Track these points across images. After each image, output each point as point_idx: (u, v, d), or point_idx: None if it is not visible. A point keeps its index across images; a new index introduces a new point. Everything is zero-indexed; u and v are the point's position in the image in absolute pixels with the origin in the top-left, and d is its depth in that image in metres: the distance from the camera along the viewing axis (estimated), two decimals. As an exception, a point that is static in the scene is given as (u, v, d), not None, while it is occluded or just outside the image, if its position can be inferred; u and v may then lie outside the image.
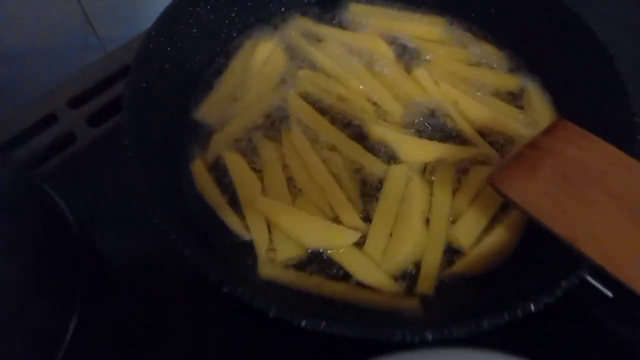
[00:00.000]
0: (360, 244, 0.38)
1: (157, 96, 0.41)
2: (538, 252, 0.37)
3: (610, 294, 0.32)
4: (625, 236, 0.31)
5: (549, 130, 0.37)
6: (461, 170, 0.42)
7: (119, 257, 0.44)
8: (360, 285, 0.37)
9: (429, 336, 0.28)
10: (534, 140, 0.37)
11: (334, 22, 0.53)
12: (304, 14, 0.53)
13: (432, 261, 0.38)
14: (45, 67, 0.55)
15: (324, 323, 0.28)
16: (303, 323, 0.28)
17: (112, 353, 0.39)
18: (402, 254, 0.38)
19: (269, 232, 0.39)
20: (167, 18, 0.42)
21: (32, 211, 0.41)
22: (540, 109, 0.46)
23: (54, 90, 0.52)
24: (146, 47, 0.40)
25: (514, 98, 0.47)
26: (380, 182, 0.42)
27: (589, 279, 0.32)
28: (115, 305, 0.41)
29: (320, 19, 0.53)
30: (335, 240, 0.38)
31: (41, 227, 0.41)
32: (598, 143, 0.36)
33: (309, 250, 0.38)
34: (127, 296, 0.42)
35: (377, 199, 0.41)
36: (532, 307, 0.29)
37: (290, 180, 0.42)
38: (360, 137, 0.44)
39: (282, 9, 0.53)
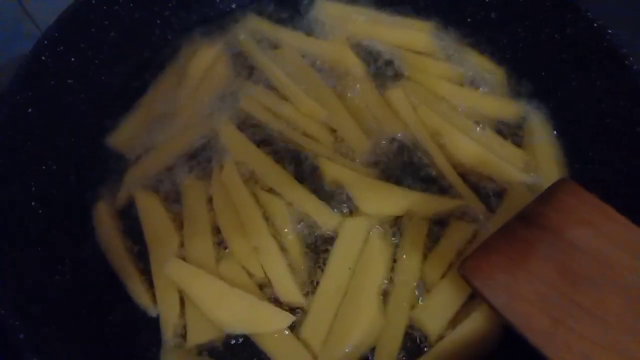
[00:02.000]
0: (295, 326, 0.30)
1: (53, 123, 0.33)
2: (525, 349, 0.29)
3: None
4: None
5: (549, 196, 0.28)
6: (436, 223, 0.34)
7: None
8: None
9: None
10: (527, 211, 0.27)
11: (296, 23, 0.43)
12: (259, 12, 0.43)
13: (389, 354, 0.29)
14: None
15: None
16: None
17: None
18: (349, 342, 0.29)
19: (182, 306, 0.31)
20: (67, 21, 0.33)
21: None
22: (543, 149, 0.36)
23: None
24: (34, 61, 0.31)
25: (513, 130, 0.38)
26: (332, 237, 0.33)
27: None
28: None
29: (279, 19, 0.43)
30: (263, 324, 0.29)
31: None
32: (614, 220, 0.26)
33: (228, 334, 0.30)
34: None
35: (325, 260, 0.32)
36: None
37: (216, 232, 0.33)
38: (312, 176, 0.35)
39: (233, 6, 0.43)
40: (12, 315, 0.24)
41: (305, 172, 0.35)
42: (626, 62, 0.33)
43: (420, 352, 0.29)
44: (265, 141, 0.36)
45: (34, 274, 0.28)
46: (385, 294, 0.31)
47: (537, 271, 0.25)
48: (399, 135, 0.37)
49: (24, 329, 0.24)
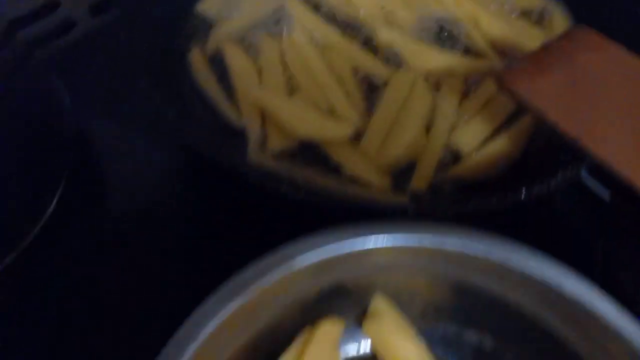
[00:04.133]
0: (355, 141, 0.37)
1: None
2: (538, 162, 0.35)
3: (606, 198, 0.30)
4: (631, 137, 0.29)
5: (565, 35, 0.35)
6: (470, 83, 0.41)
7: (110, 149, 0.44)
8: (351, 180, 0.36)
9: (411, 208, 0.27)
10: (548, 43, 0.35)
11: None
12: None
13: (429, 161, 0.36)
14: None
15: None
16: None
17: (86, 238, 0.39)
18: (398, 152, 0.36)
19: (263, 123, 0.38)
20: None
21: (31, 90, 0.41)
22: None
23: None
24: None
25: (536, 19, 0.45)
26: (384, 87, 0.40)
27: (585, 179, 0.30)
28: (97, 197, 0.41)
29: None
30: (330, 131, 0.36)
31: (37, 106, 0.41)
32: (616, 51, 0.33)
33: (302, 142, 0.37)
34: (113, 190, 0.42)
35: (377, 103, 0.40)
36: (523, 193, 0.27)
37: (289, 79, 0.40)
38: (366, 42, 0.42)
39: None
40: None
41: (361, 39, 0.43)
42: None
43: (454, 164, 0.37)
44: (325, 15, 0.44)
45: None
46: (427, 128, 0.39)
47: (553, 79, 0.32)
48: (439, 14, 0.44)
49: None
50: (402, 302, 0.29)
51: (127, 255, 0.37)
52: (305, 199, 0.27)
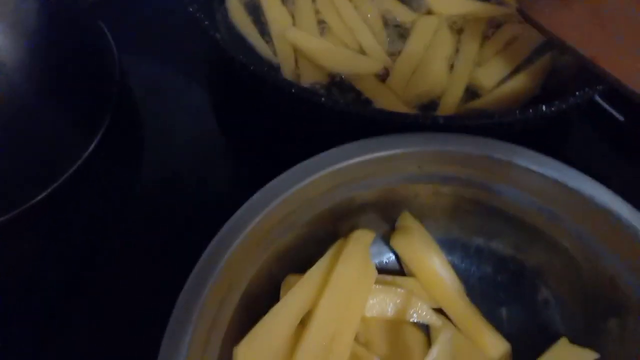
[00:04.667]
0: (382, 79, 0.40)
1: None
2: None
3: (621, 117, 0.32)
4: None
5: None
6: (492, 26, 0.43)
7: (150, 91, 0.46)
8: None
9: (440, 119, 0.29)
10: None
11: None
12: None
13: (452, 97, 0.38)
14: None
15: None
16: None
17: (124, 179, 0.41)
18: (424, 88, 0.39)
19: (296, 61, 0.41)
20: None
21: (79, 34, 0.44)
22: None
23: None
24: None
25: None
26: (409, 31, 0.42)
27: (600, 101, 0.32)
28: (137, 140, 0.43)
29: None
30: (360, 66, 0.39)
31: (85, 49, 0.43)
32: None
33: (332, 77, 0.39)
34: (152, 134, 0.44)
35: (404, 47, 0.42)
36: (544, 108, 0.29)
37: (320, 22, 0.43)
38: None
39: None
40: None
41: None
42: None
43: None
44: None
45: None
46: (450, 67, 0.41)
47: (571, 10, 0.34)
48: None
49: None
50: (427, 221, 0.32)
51: (164, 202, 0.39)
52: (340, 114, 0.30)
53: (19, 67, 0.34)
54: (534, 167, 0.27)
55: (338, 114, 0.30)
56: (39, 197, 0.37)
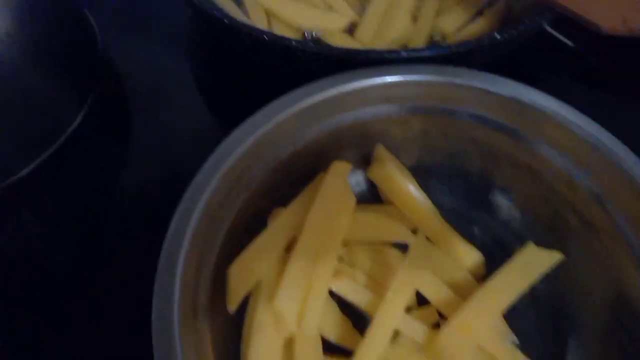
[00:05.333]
0: (351, 33, 0.42)
1: None
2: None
3: (570, 43, 0.34)
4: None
5: None
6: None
7: (135, 70, 0.48)
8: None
9: (404, 53, 0.31)
10: None
11: None
12: None
13: (418, 43, 0.41)
14: None
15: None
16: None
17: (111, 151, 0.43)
18: (390, 38, 0.41)
19: (269, 22, 0.43)
20: None
21: (62, 8, 0.45)
22: None
23: None
24: None
25: None
26: None
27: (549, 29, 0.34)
28: (122, 115, 0.45)
29: None
30: (328, 22, 0.41)
31: (66, 24, 0.44)
32: None
33: (304, 36, 0.42)
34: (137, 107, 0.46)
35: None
36: (497, 36, 0.32)
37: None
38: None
39: None
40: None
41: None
42: None
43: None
44: None
45: None
46: (414, 18, 0.43)
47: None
48: None
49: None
50: (400, 151, 0.34)
51: (148, 176, 0.40)
52: (314, 56, 0.32)
53: (3, 40, 0.36)
54: (492, 88, 0.30)
55: (312, 57, 0.32)
56: (24, 171, 0.38)
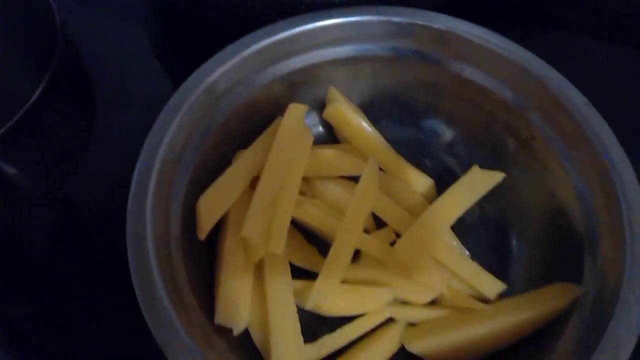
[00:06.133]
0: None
1: None
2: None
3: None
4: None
5: None
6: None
7: (93, 41, 0.48)
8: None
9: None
10: None
11: None
12: None
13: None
14: None
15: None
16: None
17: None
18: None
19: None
20: None
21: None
22: None
23: None
24: None
25: None
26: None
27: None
28: (83, 88, 0.46)
29: None
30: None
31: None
32: None
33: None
34: (97, 78, 0.47)
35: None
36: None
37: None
38: None
39: None
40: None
41: None
42: None
43: None
44: None
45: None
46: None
47: None
48: None
49: None
50: (351, 92, 0.36)
51: (113, 144, 0.41)
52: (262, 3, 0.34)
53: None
54: (430, 23, 0.32)
55: (262, 6, 0.34)
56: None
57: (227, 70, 0.30)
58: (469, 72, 0.32)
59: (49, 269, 0.35)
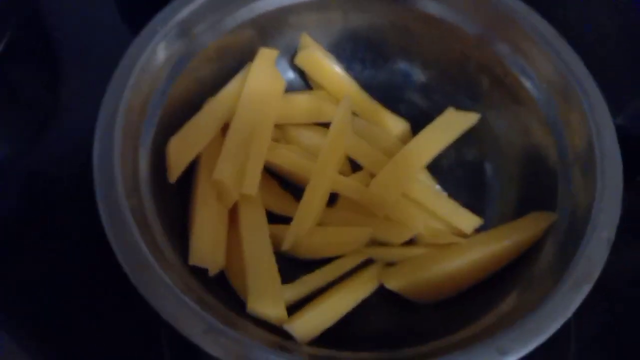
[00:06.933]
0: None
1: None
2: None
3: None
4: None
5: None
6: None
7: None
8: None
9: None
10: None
11: None
12: None
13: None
14: None
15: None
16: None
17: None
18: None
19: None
20: None
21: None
22: None
23: None
24: None
25: None
26: None
27: None
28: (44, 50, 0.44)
29: None
30: None
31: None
32: None
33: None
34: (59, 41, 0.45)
35: None
36: None
37: None
38: None
39: None
40: None
41: None
42: None
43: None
44: None
45: None
46: None
47: None
48: None
49: None
50: (323, 38, 0.35)
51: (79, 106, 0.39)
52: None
53: None
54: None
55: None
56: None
57: (196, 9, 0.29)
58: (438, 9, 0.32)
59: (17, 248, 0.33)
